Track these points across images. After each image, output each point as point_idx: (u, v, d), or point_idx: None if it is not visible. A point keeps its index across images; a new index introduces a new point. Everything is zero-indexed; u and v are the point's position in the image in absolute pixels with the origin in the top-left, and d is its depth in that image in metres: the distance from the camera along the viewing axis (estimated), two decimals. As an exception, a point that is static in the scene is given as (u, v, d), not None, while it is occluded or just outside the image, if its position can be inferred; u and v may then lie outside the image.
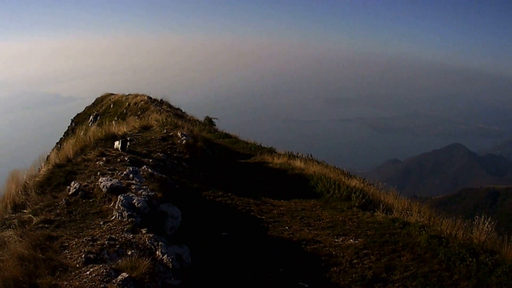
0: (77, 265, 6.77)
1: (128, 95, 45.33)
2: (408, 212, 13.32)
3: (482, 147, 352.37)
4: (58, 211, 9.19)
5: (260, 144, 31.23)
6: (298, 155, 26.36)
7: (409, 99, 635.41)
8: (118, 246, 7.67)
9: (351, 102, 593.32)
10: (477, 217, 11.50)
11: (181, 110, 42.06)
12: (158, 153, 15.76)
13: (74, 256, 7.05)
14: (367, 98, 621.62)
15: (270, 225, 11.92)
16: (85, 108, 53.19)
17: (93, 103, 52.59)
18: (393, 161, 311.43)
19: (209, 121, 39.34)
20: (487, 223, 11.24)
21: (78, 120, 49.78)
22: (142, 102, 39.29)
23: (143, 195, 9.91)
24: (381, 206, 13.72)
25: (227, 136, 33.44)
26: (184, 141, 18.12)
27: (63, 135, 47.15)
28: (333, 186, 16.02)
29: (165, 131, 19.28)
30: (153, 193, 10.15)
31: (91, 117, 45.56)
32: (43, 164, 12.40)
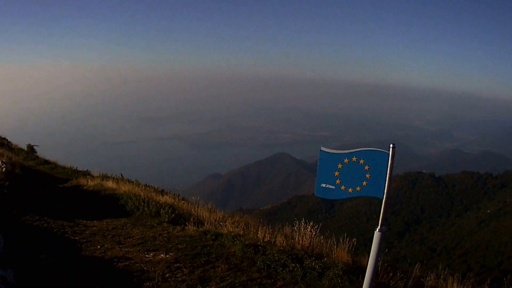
0: None
1: None
2: (221, 223, 13.53)
3: (310, 154, 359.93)
4: None
5: (77, 168, 31.83)
6: (112, 176, 26.63)
7: (223, 113, 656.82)
8: None
9: (164, 120, 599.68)
10: (297, 222, 11.72)
11: (7, 140, 41.54)
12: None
13: None
14: (180, 115, 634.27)
15: (83, 245, 11.84)
16: None
17: None
18: (214, 176, 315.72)
19: (31, 149, 39.20)
20: (309, 228, 11.43)
21: None
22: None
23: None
24: (192, 219, 13.95)
25: (46, 162, 33.73)
26: (4, 168, 17.99)
27: None
28: (143, 204, 16.22)
29: (-15, 160, 18.60)
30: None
31: None
32: None
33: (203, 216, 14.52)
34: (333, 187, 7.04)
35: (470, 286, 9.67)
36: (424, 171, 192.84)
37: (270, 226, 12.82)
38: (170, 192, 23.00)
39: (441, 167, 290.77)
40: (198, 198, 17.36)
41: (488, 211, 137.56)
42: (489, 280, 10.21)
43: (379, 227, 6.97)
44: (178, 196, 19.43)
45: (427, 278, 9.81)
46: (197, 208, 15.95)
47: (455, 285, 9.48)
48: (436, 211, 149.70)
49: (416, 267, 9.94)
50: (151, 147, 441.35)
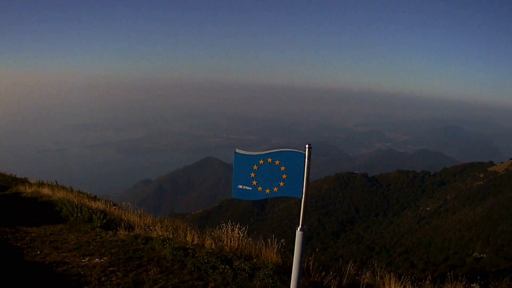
0: None
1: None
2: (151, 228, 13.85)
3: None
4: None
5: (16, 175, 32.83)
6: (47, 183, 26.96)
7: (151, 118, 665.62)
8: None
9: (95, 127, 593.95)
10: (223, 225, 11.98)
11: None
12: None
13: None
14: (110, 121, 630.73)
15: (24, 251, 12.08)
16: None
17: None
18: (145, 182, 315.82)
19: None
20: (236, 230, 11.66)
21: None
22: None
23: None
24: (123, 224, 14.30)
25: (-15, 171, 34.04)
26: None
27: None
28: (76, 210, 16.43)
29: None
30: None
31: None
32: None
33: (133, 221, 14.81)
34: (250, 188, 7.40)
35: (409, 282, 9.84)
36: (356, 172, 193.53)
37: (200, 230, 13.21)
38: (102, 198, 23.27)
39: (374, 167, 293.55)
40: (129, 204, 17.63)
41: (428, 208, 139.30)
42: (430, 276, 10.56)
43: (300, 226, 7.33)
44: (110, 202, 19.66)
45: (363, 276, 10.04)
46: (128, 213, 16.19)
47: (392, 282, 9.69)
48: (371, 210, 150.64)
49: (349, 265, 10.21)
50: (84, 154, 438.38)
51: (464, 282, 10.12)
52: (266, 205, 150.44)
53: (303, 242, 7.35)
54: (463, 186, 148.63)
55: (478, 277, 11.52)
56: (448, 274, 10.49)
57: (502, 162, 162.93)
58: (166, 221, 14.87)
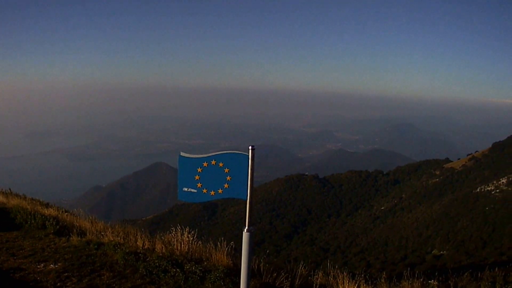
0: None
1: None
2: (102, 233, 14.01)
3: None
4: None
5: None
6: (1, 190, 27.05)
7: (100, 124, 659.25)
8: None
9: (45, 134, 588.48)
10: (173, 229, 12.23)
11: None
12: None
13: None
14: (59, 128, 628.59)
15: None
16: None
17: None
18: (96, 188, 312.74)
19: None
20: (185, 234, 11.85)
21: None
22: None
23: None
24: (75, 231, 14.41)
25: None
26: None
27: None
28: (30, 217, 16.39)
29: None
30: None
31: None
32: None
33: (85, 227, 14.96)
34: (195, 190, 7.61)
35: (363, 281, 10.02)
36: (307, 173, 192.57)
37: (150, 235, 13.43)
38: (55, 205, 23.34)
39: (325, 168, 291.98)
40: (80, 210, 17.84)
41: (383, 207, 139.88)
42: (385, 274, 10.82)
43: (246, 227, 7.63)
44: (62, 209, 19.79)
45: (315, 276, 10.22)
46: (79, 219, 16.37)
47: (346, 281, 9.84)
48: (324, 211, 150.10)
49: (300, 266, 10.32)
50: (36, 162, 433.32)
51: (421, 279, 10.29)
52: (216, 209, 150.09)
53: (251, 242, 7.64)
54: (419, 184, 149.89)
55: (436, 274, 11.75)
56: (404, 272, 10.75)
57: (459, 159, 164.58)
58: (117, 226, 15.08)
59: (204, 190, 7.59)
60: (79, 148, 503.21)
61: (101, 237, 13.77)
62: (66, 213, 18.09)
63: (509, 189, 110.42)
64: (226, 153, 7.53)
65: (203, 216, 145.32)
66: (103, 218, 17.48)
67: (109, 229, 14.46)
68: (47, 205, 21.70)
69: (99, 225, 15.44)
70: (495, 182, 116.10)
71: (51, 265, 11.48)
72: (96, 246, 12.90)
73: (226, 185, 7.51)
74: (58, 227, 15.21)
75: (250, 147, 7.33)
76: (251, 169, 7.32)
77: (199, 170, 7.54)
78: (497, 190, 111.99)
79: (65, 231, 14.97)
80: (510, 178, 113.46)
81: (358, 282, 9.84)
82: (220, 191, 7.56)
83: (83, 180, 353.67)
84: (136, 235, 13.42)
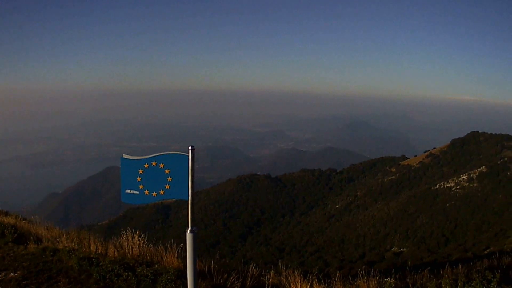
0: None
1: None
2: (58, 240, 14.06)
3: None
4: None
5: None
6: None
7: (51, 130, 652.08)
8: None
9: (4, 142, 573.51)
10: (124, 232, 12.36)
11: None
12: None
13: None
14: (16, 135, 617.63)
15: None
16: None
17: None
18: (53, 195, 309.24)
19: None
20: (136, 237, 11.96)
21: None
22: None
23: None
24: (32, 238, 14.49)
25: None
26: None
27: None
28: None
29: None
30: None
31: None
32: None
33: (41, 234, 15.05)
34: (137, 192, 7.74)
35: (315, 280, 9.97)
36: (259, 173, 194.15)
37: (106, 239, 13.54)
38: (13, 213, 23.46)
39: (277, 168, 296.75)
40: (38, 217, 17.97)
41: (337, 206, 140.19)
42: (338, 273, 10.54)
43: (189, 228, 7.87)
44: (20, 217, 19.87)
45: (267, 276, 10.32)
46: (36, 227, 16.48)
47: (297, 280, 9.85)
48: (277, 211, 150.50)
49: (251, 266, 10.48)
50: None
51: (378, 277, 10.25)
52: (170, 212, 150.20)
53: (195, 243, 7.92)
54: (374, 181, 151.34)
55: (393, 271, 11.61)
56: (359, 270, 10.71)
57: (415, 156, 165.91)
58: (71, 232, 15.19)
59: (146, 192, 7.73)
60: (36, 155, 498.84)
61: (57, 243, 13.87)
62: (24, 221, 18.17)
63: (471, 185, 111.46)
64: (166, 154, 7.67)
65: (157, 219, 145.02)
66: (60, 225, 17.60)
67: (64, 235, 14.61)
68: (6, 214, 21.74)
69: (54, 232, 15.55)
70: (455, 178, 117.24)
71: (11, 273, 11.65)
72: (52, 253, 13.01)
73: (167, 186, 7.65)
74: (16, 235, 15.23)
75: (190, 148, 7.48)
76: (191, 169, 7.48)
77: (140, 171, 7.69)
78: (458, 187, 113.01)
79: (23, 239, 15.03)
80: (471, 175, 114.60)
81: (310, 281, 9.90)
82: (161, 192, 7.70)
83: (41, 187, 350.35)
84: (89, 240, 13.56)
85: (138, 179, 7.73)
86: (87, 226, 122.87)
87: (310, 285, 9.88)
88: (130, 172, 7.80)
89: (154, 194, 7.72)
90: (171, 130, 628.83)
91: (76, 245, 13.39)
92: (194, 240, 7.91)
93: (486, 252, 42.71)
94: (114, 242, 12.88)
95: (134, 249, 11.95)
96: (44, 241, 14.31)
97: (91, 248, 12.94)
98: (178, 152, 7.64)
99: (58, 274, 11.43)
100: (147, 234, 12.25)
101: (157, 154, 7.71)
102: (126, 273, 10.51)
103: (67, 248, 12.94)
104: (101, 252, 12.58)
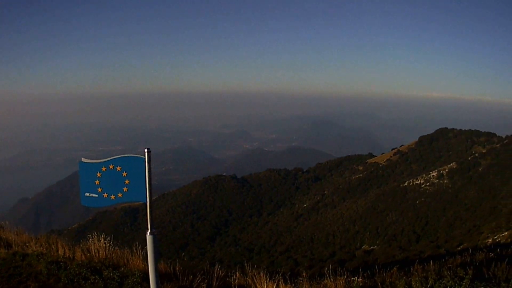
0: None
1: None
2: (27, 245, 14.10)
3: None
4: None
5: None
6: None
7: (20, 136, 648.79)
8: None
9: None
10: (90, 236, 12.54)
11: None
12: None
13: None
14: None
15: None
16: None
17: None
18: (23, 200, 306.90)
19: None
20: (102, 240, 12.16)
21: None
22: None
23: None
24: (2, 243, 14.61)
25: None
26: None
27: None
28: None
29: None
30: None
31: None
32: None
33: (11, 239, 15.13)
34: (96, 195, 7.82)
35: (281, 279, 10.01)
36: (224, 174, 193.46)
37: (74, 244, 13.52)
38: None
39: (243, 168, 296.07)
40: (7, 222, 18.02)
41: (305, 205, 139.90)
42: (305, 273, 10.74)
43: (149, 230, 7.87)
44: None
45: (233, 277, 10.38)
46: (6, 232, 16.54)
47: (263, 281, 9.96)
48: (245, 211, 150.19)
49: (217, 267, 10.57)
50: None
51: (345, 276, 10.18)
52: (138, 215, 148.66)
53: (155, 245, 7.95)
54: (341, 180, 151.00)
55: (360, 270, 11.83)
56: (326, 269, 10.55)
57: (383, 153, 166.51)
58: (40, 237, 15.23)
59: (105, 195, 7.82)
60: (4, 161, 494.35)
61: (26, 248, 13.97)
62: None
63: (440, 182, 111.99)
64: (123, 157, 7.74)
65: (126, 222, 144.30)
66: (32, 229, 17.85)
67: (33, 240, 14.68)
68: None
69: (24, 237, 15.60)
70: (424, 175, 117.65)
71: (-17, 279, 11.71)
72: (21, 257, 13.08)
73: (125, 189, 7.73)
74: (-14, 241, 15.25)
75: (146, 150, 7.53)
76: (148, 171, 7.53)
77: (98, 175, 7.78)
78: (428, 184, 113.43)
79: (-6, 245, 15.12)
80: (441, 171, 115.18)
81: (277, 281, 10.00)
82: (120, 195, 7.78)
83: (11, 193, 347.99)
84: (57, 244, 13.63)
85: (97, 182, 7.83)
86: (57, 231, 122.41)
87: (276, 285, 9.97)
88: (89, 175, 7.89)
89: (112, 197, 7.82)
90: (136, 133, 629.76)
91: (45, 249, 13.47)
92: (155, 242, 7.95)
93: (459, 248, 42.74)
94: (82, 245, 12.96)
95: (100, 252, 12.11)
96: (14, 246, 14.40)
97: (59, 252, 13.05)
98: (135, 155, 7.73)
99: (28, 279, 11.50)
100: (112, 237, 12.41)
101: (114, 157, 7.78)
102: (93, 276, 10.57)
103: (36, 253, 12.98)
104: (68, 256, 12.70)
